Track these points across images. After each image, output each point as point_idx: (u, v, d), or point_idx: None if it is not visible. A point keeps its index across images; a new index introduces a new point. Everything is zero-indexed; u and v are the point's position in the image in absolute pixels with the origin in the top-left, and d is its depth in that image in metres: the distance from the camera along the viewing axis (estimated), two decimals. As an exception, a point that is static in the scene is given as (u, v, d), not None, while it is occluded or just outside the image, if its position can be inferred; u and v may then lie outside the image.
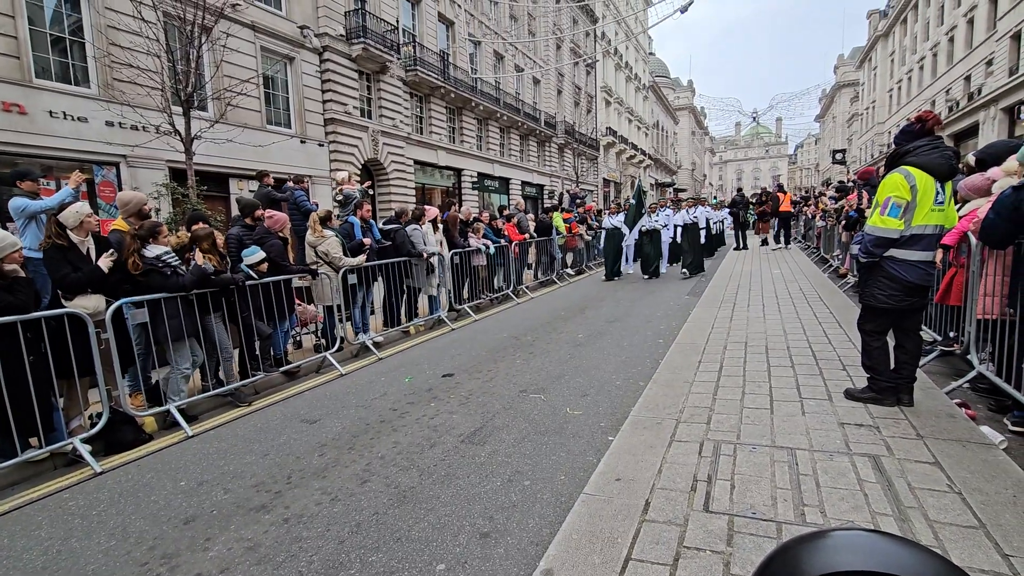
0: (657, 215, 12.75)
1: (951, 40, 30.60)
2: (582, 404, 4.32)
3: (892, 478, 2.62)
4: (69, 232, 4.22)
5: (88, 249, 4.36)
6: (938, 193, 3.15)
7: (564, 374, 5.17)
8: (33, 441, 3.70)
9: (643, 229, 12.11)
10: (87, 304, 4.18)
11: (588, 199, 26.49)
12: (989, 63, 25.61)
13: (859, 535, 0.84)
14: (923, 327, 4.97)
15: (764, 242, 17.57)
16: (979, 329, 4.01)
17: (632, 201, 12.16)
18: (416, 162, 20.00)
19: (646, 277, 11.96)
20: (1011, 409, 3.56)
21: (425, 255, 7.74)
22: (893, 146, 3.42)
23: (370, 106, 17.94)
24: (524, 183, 28.59)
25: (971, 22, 27.92)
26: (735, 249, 16.88)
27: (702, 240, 12.88)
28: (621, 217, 12.57)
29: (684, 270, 12.16)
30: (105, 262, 4.25)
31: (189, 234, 5.16)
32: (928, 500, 2.41)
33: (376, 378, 5.56)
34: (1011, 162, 4.10)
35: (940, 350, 4.82)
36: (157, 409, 4.45)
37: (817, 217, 15.21)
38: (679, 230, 13.05)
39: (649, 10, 45.32)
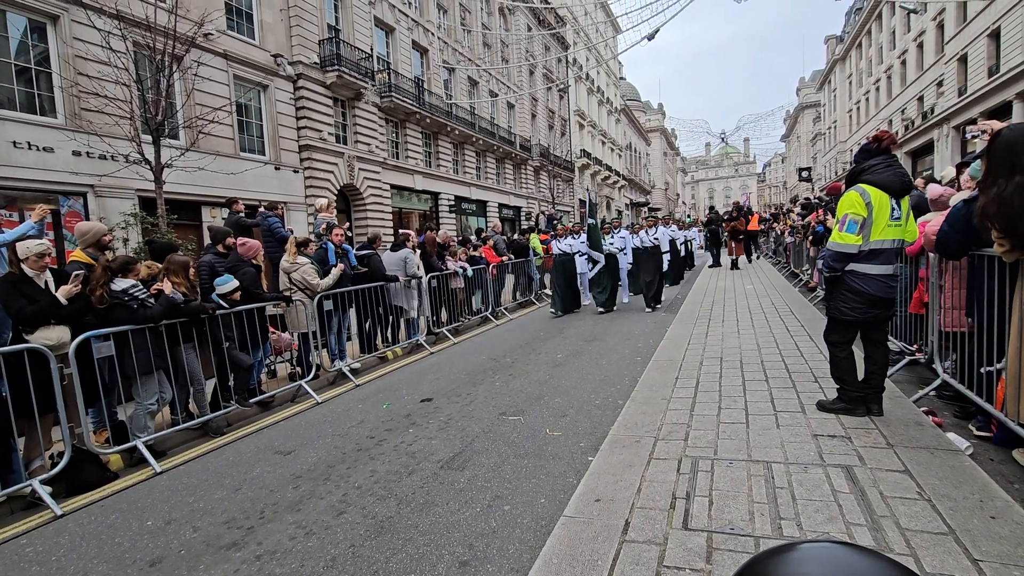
0: (612, 237, 10.60)
1: (903, 63, 32.21)
2: (561, 425, 4.31)
3: (865, 488, 2.66)
4: (23, 265, 4.09)
5: (46, 282, 4.23)
6: (894, 209, 3.29)
7: (543, 395, 5.15)
8: (-12, 484, 3.53)
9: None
10: (50, 336, 4.05)
11: (564, 220, 26.81)
12: (940, 84, 26.98)
13: (826, 547, 0.85)
14: (890, 338, 5.12)
15: (734, 264, 15.45)
16: (941, 338, 4.15)
17: (590, 221, 10.15)
18: (393, 186, 20.04)
19: (601, 311, 10.05)
20: (975, 415, 3.67)
21: (401, 279, 7.72)
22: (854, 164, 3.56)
23: (345, 132, 17.99)
24: (501, 205, 28.82)
25: (921, 46, 29.47)
26: (709, 267, 16.60)
27: (665, 266, 10.56)
28: (570, 241, 10.79)
29: (650, 304, 10.03)
30: (66, 290, 4.13)
31: (159, 265, 5.06)
32: (900, 508, 2.45)
33: (353, 405, 5.47)
34: (962, 176, 4.32)
35: (908, 359, 4.96)
36: (123, 446, 4.29)
37: (786, 233, 15.65)
38: (638, 254, 10.98)
39: (618, 37, 46.76)
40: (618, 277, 10.41)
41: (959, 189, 4.34)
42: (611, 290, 10.24)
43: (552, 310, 10.33)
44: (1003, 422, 3.20)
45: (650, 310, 9.82)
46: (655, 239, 10.57)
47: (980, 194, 2.91)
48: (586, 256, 10.35)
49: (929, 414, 3.72)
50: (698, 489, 2.80)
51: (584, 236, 10.47)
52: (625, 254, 10.89)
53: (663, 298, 10.57)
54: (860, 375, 3.64)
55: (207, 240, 12.59)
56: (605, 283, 10.16)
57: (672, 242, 13.64)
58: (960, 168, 4.62)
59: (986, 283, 3.27)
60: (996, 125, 3.18)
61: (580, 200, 39.21)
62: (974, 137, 3.50)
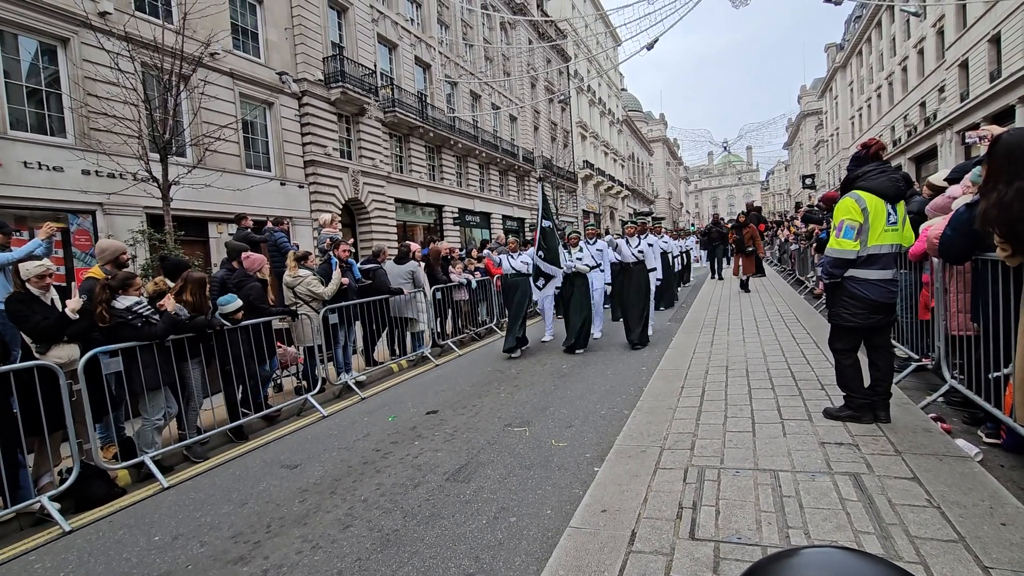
0: (582, 250, 7.89)
1: (904, 70, 32.30)
2: (567, 435, 4.30)
3: (873, 495, 2.64)
4: (28, 285, 4.16)
5: (52, 300, 4.29)
6: (890, 214, 3.30)
7: (549, 406, 5.15)
8: (-2, 501, 3.56)
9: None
10: (61, 354, 4.10)
11: (568, 230, 26.85)
12: (941, 90, 27.02)
13: (828, 552, 0.85)
14: (897, 344, 5.09)
15: (744, 285, 11.81)
16: (948, 343, 4.12)
17: (544, 223, 7.53)
18: (397, 200, 20.19)
19: (565, 349, 7.61)
20: (984, 421, 3.63)
21: (408, 291, 7.76)
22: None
23: (350, 147, 18.19)
24: (505, 217, 28.96)
25: (921, 52, 29.56)
26: (711, 278, 15.22)
27: (653, 286, 7.93)
28: (527, 257, 8.07)
29: (634, 341, 7.44)
30: (73, 304, 4.20)
31: (170, 282, 5.11)
32: (908, 516, 2.43)
33: (359, 418, 5.47)
34: (964, 181, 4.32)
35: (915, 365, 4.92)
36: (131, 461, 4.30)
37: (790, 240, 15.63)
38: (617, 272, 8.25)
39: (619, 47, 47.19)
40: (589, 304, 7.77)
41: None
42: (581, 322, 7.55)
43: (506, 351, 7.69)
44: (1013, 428, 3.18)
45: (635, 346, 7.41)
46: (639, 252, 7.78)
47: (981, 199, 2.92)
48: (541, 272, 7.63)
49: (937, 420, 3.69)
50: (705, 499, 2.79)
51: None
52: (602, 270, 8.33)
53: (651, 332, 7.94)
54: (867, 382, 3.63)
55: (214, 256, 12.77)
56: (576, 314, 7.58)
57: (664, 255, 11.07)
58: (951, 180, 4.63)
59: (991, 287, 3.26)
60: (996, 130, 3.20)
61: (583, 211, 39.25)
62: (973, 142, 3.51)
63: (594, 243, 8.52)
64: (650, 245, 8.00)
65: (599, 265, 8.28)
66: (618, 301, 8.41)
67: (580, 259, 7.73)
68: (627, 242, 7.94)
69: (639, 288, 7.67)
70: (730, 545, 2.36)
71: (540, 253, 7.55)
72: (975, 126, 22.52)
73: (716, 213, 16.72)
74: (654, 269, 7.96)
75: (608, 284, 8.37)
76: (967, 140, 3.34)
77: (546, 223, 7.57)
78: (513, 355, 7.64)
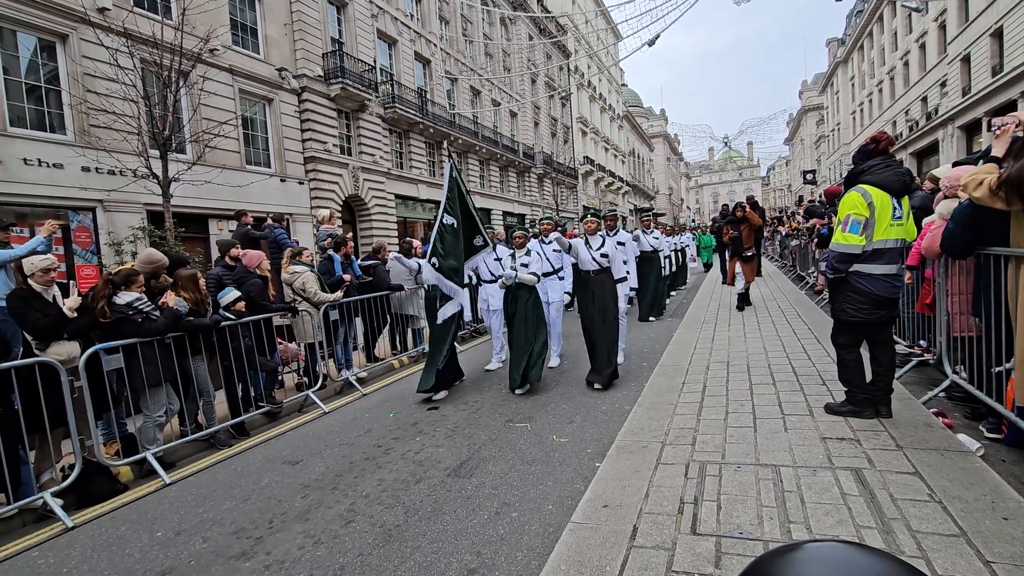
0: (529, 252, 5.80)
1: (906, 64, 32.15)
2: (568, 431, 4.30)
3: (874, 490, 2.64)
4: (30, 281, 4.17)
5: (53, 296, 4.31)
6: (895, 208, 3.28)
7: (550, 402, 5.15)
8: (0, 497, 3.56)
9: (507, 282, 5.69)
10: (61, 352, 4.11)
11: (568, 227, 26.80)
12: (943, 84, 26.89)
13: (831, 547, 0.85)
14: (899, 339, 5.09)
15: (743, 301, 8.99)
16: (950, 339, 4.12)
17: (445, 221, 5.57)
18: (397, 196, 20.16)
19: (518, 390, 5.48)
20: (986, 416, 3.63)
21: (407, 288, 7.75)
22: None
23: (350, 143, 18.15)
24: (505, 213, 28.91)
25: (923, 47, 29.41)
26: (724, 283, 11.72)
27: (623, 303, 5.91)
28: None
29: (597, 375, 5.46)
30: (71, 302, 4.21)
31: (169, 278, 5.10)
32: (910, 510, 2.43)
33: (360, 415, 5.48)
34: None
35: (916, 360, 4.92)
36: (133, 458, 4.31)
37: (791, 235, 15.60)
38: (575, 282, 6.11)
39: (620, 43, 47.02)
40: (542, 324, 5.74)
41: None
42: (530, 349, 5.47)
43: (422, 391, 5.64)
44: (1014, 423, 3.18)
45: (599, 387, 5.39)
46: (602, 256, 5.55)
47: (1010, 164, 2.92)
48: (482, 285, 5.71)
49: (939, 415, 3.69)
50: (706, 494, 2.79)
51: (491, 250, 6.16)
52: (561, 278, 6.58)
53: (621, 359, 6.01)
54: (868, 377, 3.62)
55: (215, 252, 12.77)
56: (519, 336, 5.56)
57: (655, 255, 9.53)
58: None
59: (992, 282, 3.26)
60: (1022, 115, 3.21)
61: (584, 207, 39.12)
62: (1000, 128, 3.37)
63: (549, 242, 6.58)
64: (620, 244, 6.18)
65: (558, 271, 6.56)
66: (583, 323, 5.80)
67: (526, 265, 5.64)
68: (587, 243, 5.64)
69: (603, 300, 5.52)
70: (732, 540, 2.36)
71: (433, 261, 5.46)
72: (978, 122, 22.46)
73: (725, 204, 12.06)
74: (622, 279, 5.93)
75: (568, 294, 6.46)
76: (994, 128, 3.31)
77: (448, 219, 5.48)
78: (434, 395, 5.61)
